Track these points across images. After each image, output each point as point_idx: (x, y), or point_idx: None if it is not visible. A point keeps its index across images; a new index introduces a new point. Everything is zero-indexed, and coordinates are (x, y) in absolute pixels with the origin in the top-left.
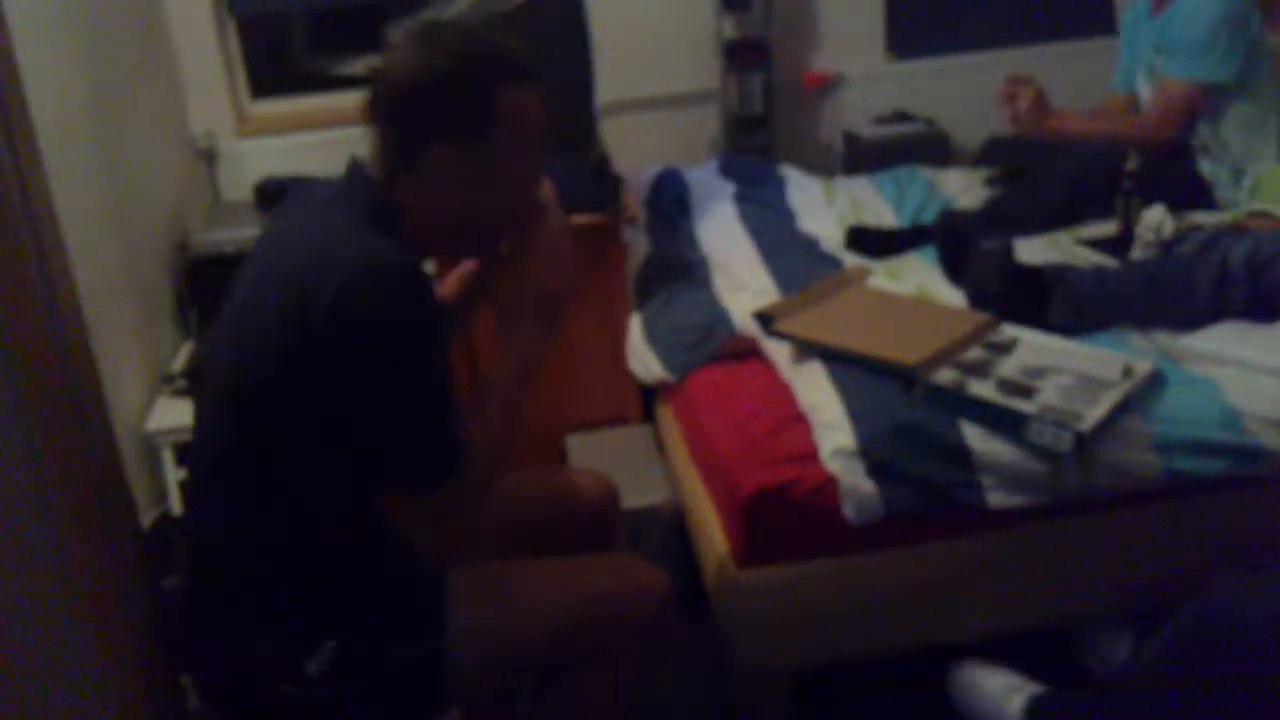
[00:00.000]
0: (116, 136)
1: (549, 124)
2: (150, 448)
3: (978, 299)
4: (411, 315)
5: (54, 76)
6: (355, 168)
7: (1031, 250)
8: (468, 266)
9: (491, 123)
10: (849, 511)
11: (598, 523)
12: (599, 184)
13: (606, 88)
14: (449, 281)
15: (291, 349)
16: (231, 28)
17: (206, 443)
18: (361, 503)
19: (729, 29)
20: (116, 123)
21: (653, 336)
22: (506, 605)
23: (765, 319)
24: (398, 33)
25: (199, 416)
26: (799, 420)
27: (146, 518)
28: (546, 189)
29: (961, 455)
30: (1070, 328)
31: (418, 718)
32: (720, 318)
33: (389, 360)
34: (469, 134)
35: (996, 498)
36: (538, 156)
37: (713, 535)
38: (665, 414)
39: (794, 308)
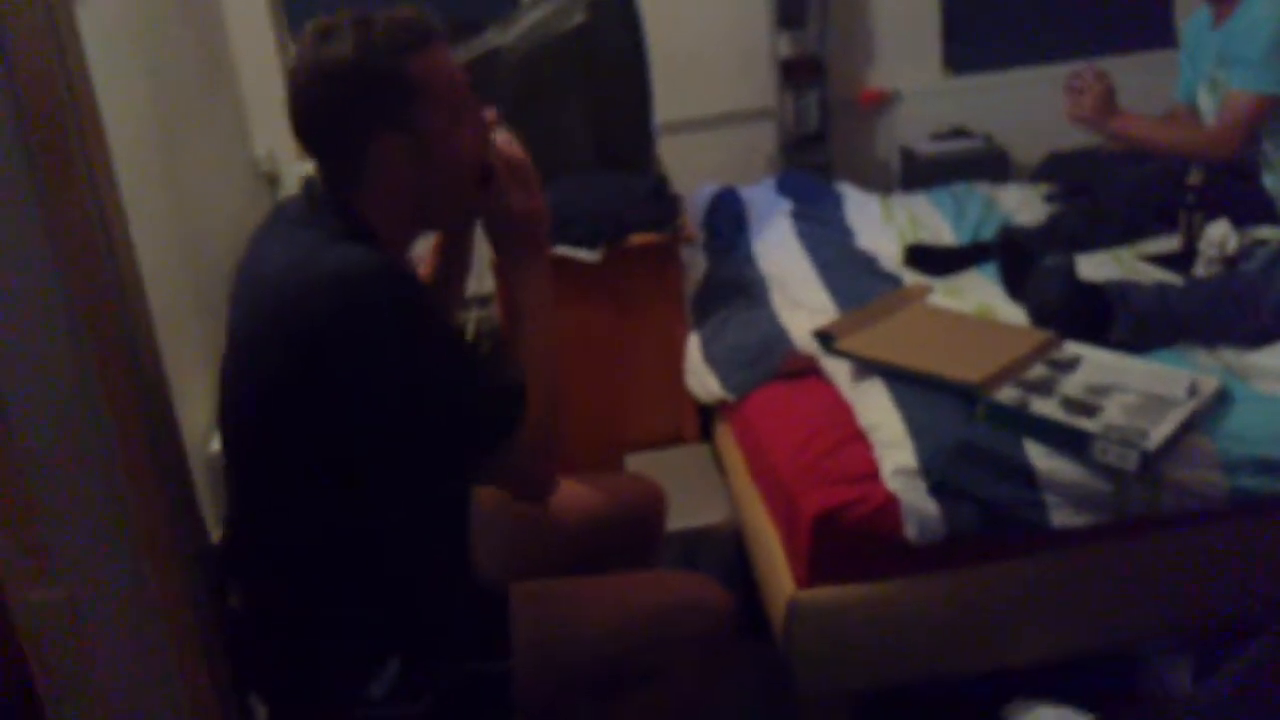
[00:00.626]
0: (183, 160)
1: (604, 139)
2: (215, 469)
3: (1039, 316)
4: (401, 305)
5: (125, 105)
6: (309, 185)
7: (1093, 266)
8: (436, 238)
9: (413, 99)
10: (911, 532)
11: (643, 527)
12: (657, 204)
13: (663, 107)
14: (427, 258)
15: (298, 375)
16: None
17: (243, 470)
18: (417, 517)
19: (784, 46)
20: (182, 146)
21: (711, 355)
22: (569, 622)
23: (825, 337)
24: (290, 58)
25: (230, 445)
26: (859, 439)
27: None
28: (489, 117)
29: (1025, 474)
30: (1134, 345)
31: None
32: (779, 336)
33: (403, 352)
34: (397, 121)
35: (1061, 517)
36: (470, 108)
37: (774, 555)
38: (724, 433)
39: (854, 326)
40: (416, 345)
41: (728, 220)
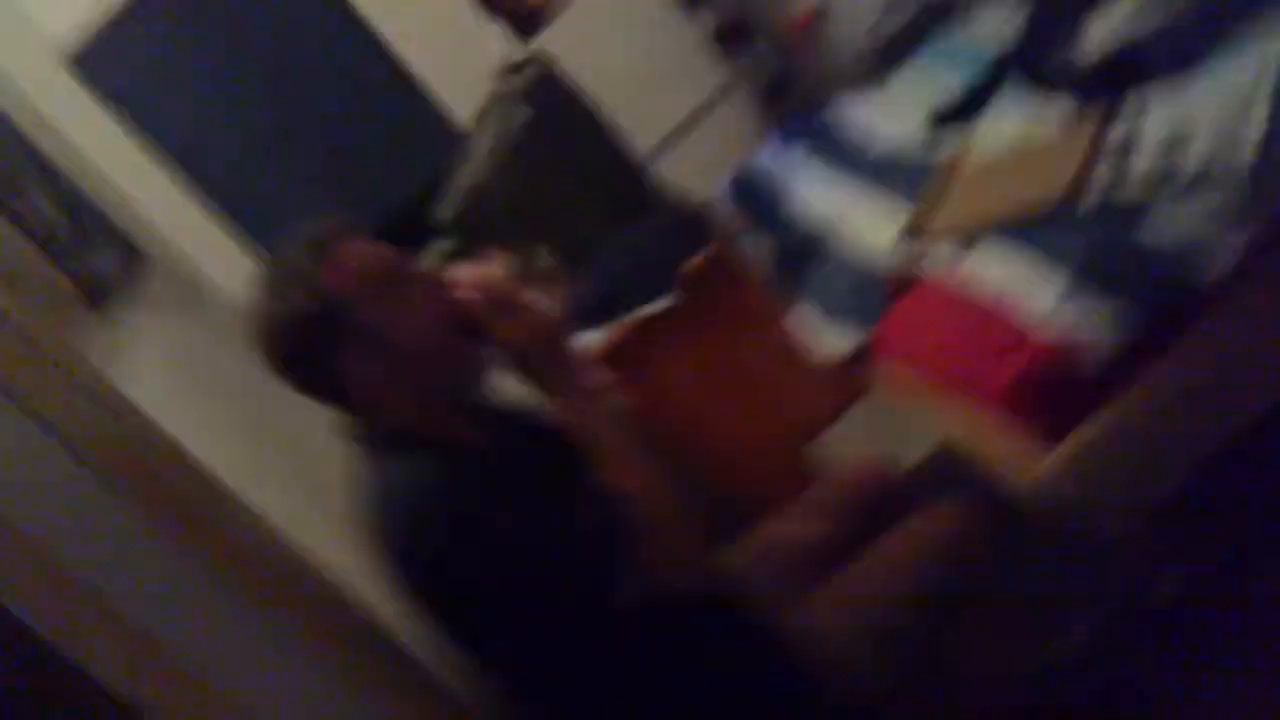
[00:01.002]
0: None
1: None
2: None
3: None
4: (456, 499)
5: (214, 434)
6: (339, 427)
7: None
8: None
9: (340, 311)
10: (1090, 356)
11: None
12: (687, 229)
13: (643, 136)
14: None
15: (437, 599)
16: None
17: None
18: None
19: (708, 21)
20: (276, 420)
21: (820, 315)
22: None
23: (913, 232)
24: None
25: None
26: (995, 314)
27: None
28: (449, 276)
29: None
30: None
31: None
32: (868, 260)
33: (483, 539)
34: (339, 339)
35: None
36: (405, 278)
37: (996, 449)
38: (889, 372)
39: (929, 212)
40: (491, 526)
41: (757, 196)
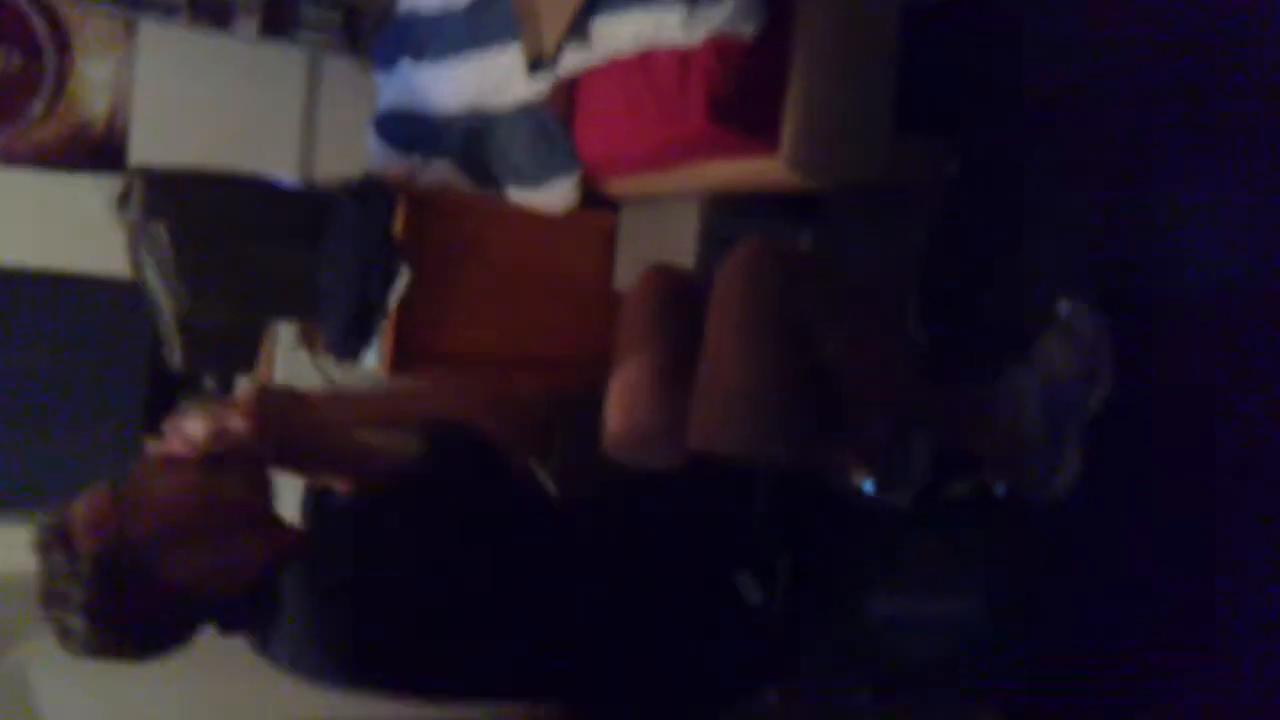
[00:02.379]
0: None
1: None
2: None
3: None
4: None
5: None
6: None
7: None
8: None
9: (116, 553)
10: (742, 36)
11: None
12: (370, 204)
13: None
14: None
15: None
16: None
17: None
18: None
19: (250, 22)
20: None
21: (528, 183)
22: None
23: (537, 63)
24: None
25: None
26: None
27: None
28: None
29: None
30: None
31: None
32: (527, 112)
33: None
34: (142, 570)
35: None
36: (132, 492)
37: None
38: (619, 187)
39: (534, 36)
40: (399, 568)
41: (403, 129)
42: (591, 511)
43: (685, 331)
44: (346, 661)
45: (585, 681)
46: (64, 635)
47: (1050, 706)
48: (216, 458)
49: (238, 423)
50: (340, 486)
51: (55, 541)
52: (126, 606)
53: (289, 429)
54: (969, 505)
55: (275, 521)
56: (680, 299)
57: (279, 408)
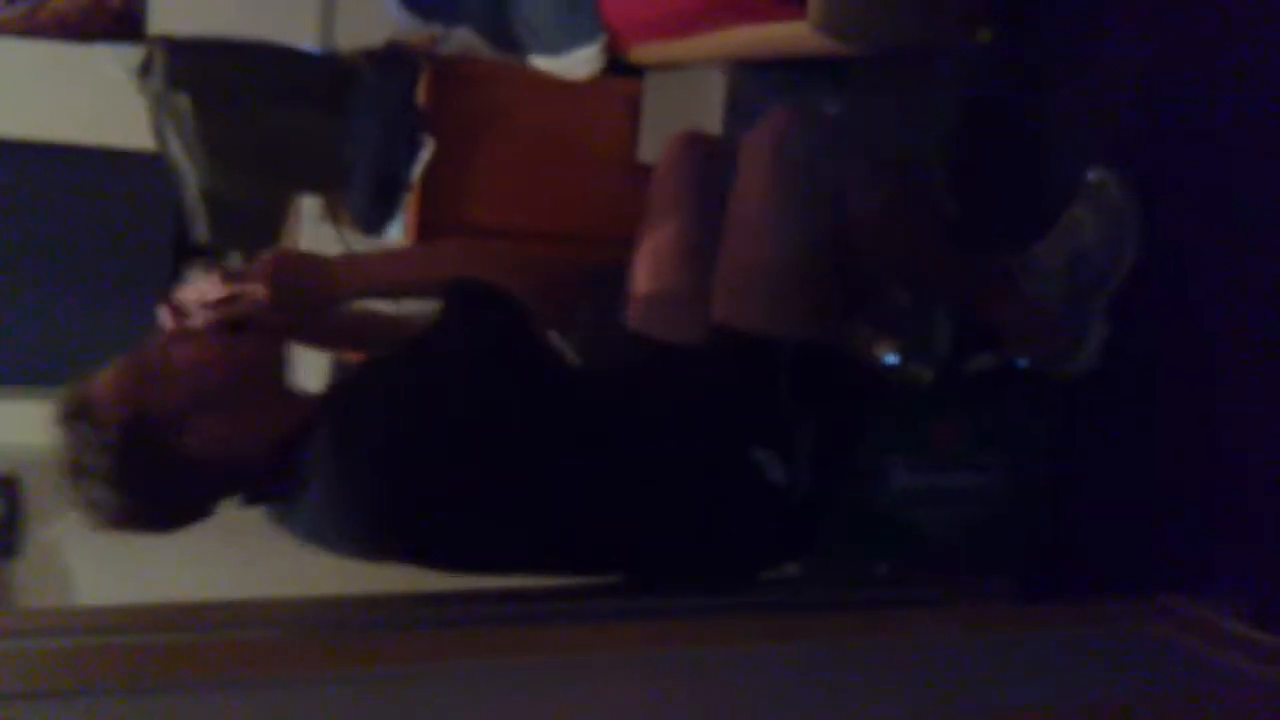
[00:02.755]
0: None
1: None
2: None
3: None
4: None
5: None
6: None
7: None
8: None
9: (141, 424)
10: None
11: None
12: (394, 74)
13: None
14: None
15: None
16: None
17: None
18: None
19: None
20: None
21: (554, 50)
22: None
23: None
24: None
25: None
26: None
27: None
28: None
29: None
30: None
31: None
32: None
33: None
34: (164, 440)
35: None
36: (155, 361)
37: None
38: (643, 54)
39: None
40: (417, 426)
41: None
42: (613, 384)
43: (714, 200)
44: (367, 529)
45: (604, 556)
46: (90, 507)
47: (1070, 581)
48: (232, 325)
49: (254, 288)
50: (355, 358)
51: (78, 414)
52: (150, 476)
53: (305, 295)
54: (992, 379)
55: (293, 392)
56: (710, 167)
57: (294, 273)
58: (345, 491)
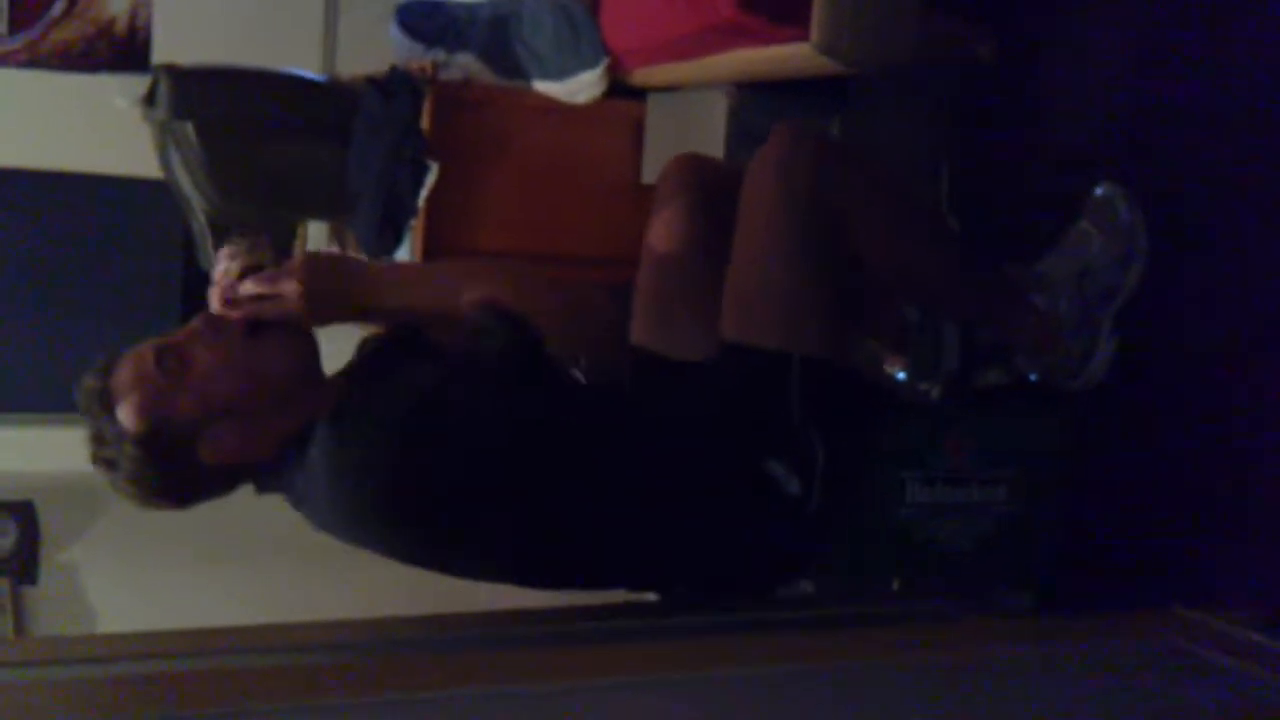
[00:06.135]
0: None
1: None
2: None
3: None
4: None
5: None
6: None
7: None
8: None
9: (161, 419)
10: None
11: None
12: (398, 101)
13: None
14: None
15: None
16: None
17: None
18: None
19: None
20: None
21: (556, 74)
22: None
23: None
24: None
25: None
26: None
27: None
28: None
29: None
30: None
31: None
32: (555, 2)
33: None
34: (182, 438)
35: None
36: (177, 356)
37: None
38: (645, 77)
39: None
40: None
41: (427, 23)
42: (624, 402)
43: (716, 222)
44: (375, 523)
45: (619, 572)
46: (111, 486)
47: (1083, 591)
48: (262, 324)
49: (289, 287)
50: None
51: (100, 406)
52: (171, 474)
53: (341, 301)
54: (1002, 392)
55: (319, 379)
56: (711, 187)
57: (330, 277)
58: (351, 479)
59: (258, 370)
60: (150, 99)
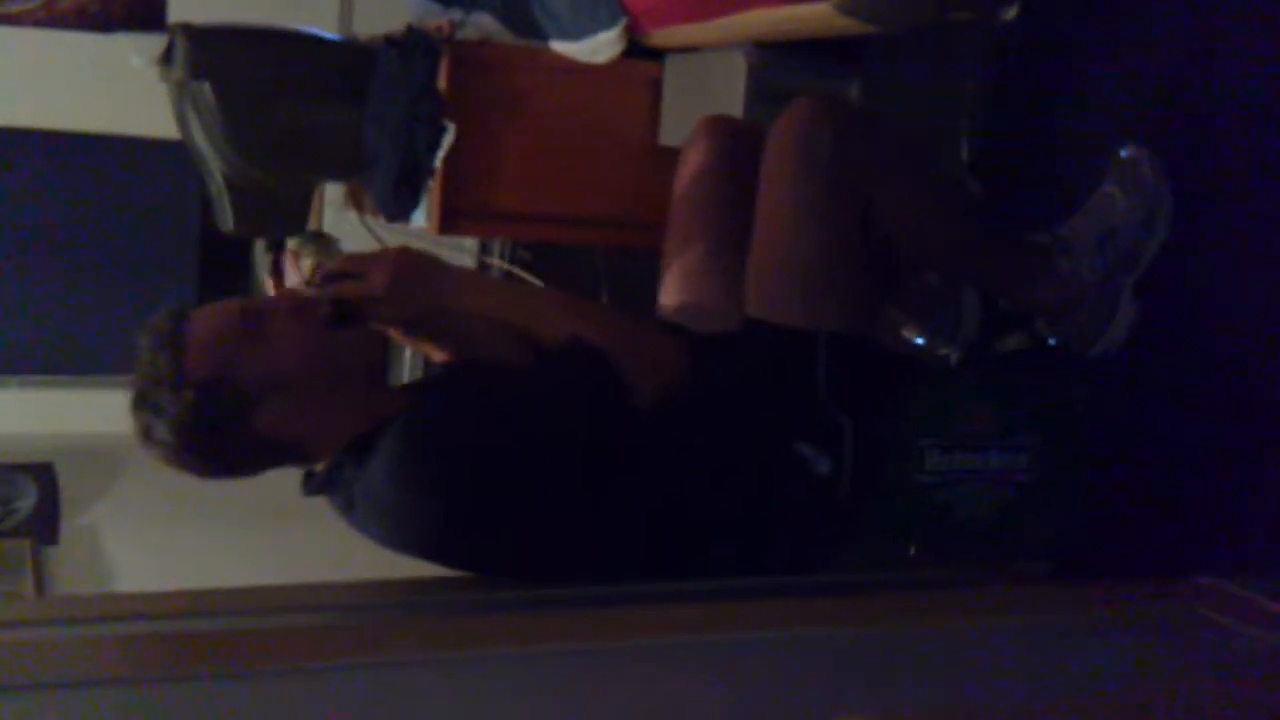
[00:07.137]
0: None
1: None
2: None
3: None
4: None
5: None
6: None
7: None
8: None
9: (223, 380)
10: None
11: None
12: (415, 61)
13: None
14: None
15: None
16: None
17: None
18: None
19: None
20: None
21: (573, 34)
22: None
23: None
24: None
25: None
26: None
27: None
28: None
29: None
30: None
31: None
32: None
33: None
34: (238, 405)
35: None
36: (259, 320)
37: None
38: (663, 38)
39: None
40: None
41: None
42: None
43: (744, 185)
44: (426, 531)
45: (654, 562)
46: (145, 434)
47: (1103, 561)
48: (343, 313)
49: (377, 277)
50: (439, 357)
51: (168, 344)
52: (217, 432)
53: (423, 297)
54: (1022, 359)
55: (384, 385)
56: (740, 150)
57: (418, 272)
58: (412, 494)
59: (331, 355)
60: (167, 58)
